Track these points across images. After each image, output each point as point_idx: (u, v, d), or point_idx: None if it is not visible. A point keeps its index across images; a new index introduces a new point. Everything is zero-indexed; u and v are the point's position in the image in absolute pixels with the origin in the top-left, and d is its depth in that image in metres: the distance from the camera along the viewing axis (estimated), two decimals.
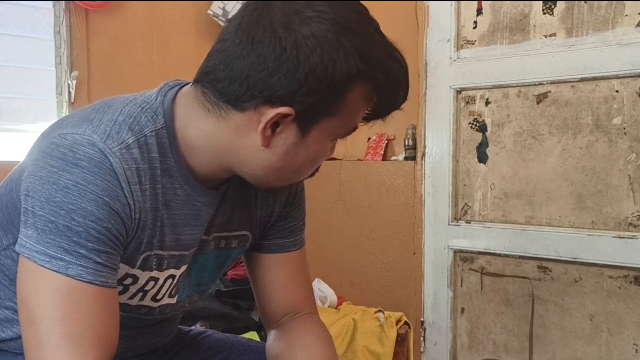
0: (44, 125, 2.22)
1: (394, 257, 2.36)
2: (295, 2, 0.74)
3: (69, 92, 2.24)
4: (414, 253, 2.29)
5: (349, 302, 2.36)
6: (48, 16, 2.23)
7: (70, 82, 2.23)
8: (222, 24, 2.44)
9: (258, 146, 0.78)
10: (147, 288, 0.86)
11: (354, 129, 0.83)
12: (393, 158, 2.41)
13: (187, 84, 0.85)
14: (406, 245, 2.31)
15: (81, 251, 0.71)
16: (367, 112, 0.82)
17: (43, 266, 0.71)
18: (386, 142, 2.41)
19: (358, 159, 2.48)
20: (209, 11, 2.45)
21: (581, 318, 1.91)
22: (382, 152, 2.40)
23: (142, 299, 0.87)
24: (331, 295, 2.30)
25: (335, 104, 0.76)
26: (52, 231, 0.71)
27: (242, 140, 0.78)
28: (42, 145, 0.76)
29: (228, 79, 0.75)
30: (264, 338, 1.93)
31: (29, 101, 2.23)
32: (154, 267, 0.85)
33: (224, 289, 2.02)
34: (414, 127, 2.29)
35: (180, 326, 1.13)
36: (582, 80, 1.87)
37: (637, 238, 1.78)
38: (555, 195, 1.94)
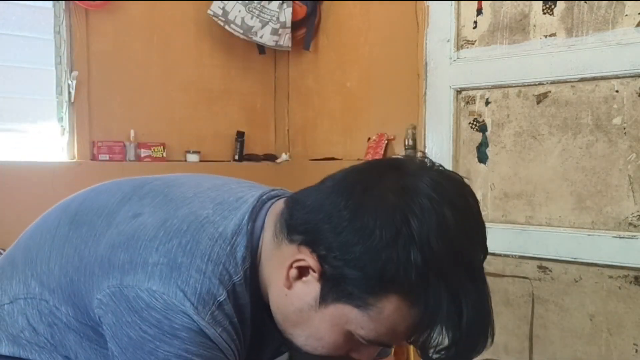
0: (44, 126, 2.23)
1: None
2: (410, 178, 0.69)
3: (69, 92, 2.24)
4: None
5: None
6: (48, 16, 2.23)
7: (70, 82, 2.23)
8: (222, 24, 2.44)
9: (282, 287, 0.74)
10: None
11: (380, 343, 0.73)
12: None
13: (282, 195, 0.82)
14: None
15: None
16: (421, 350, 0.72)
17: None
18: (386, 142, 2.41)
19: (358, 159, 2.48)
20: (209, 11, 2.45)
21: (581, 318, 1.91)
22: (382, 152, 2.40)
23: None
24: None
25: (364, 296, 0.68)
26: None
27: (277, 273, 0.74)
28: (122, 288, 0.71)
29: (302, 206, 0.73)
30: None
31: (29, 101, 2.23)
32: None
33: None
34: (414, 127, 2.29)
35: None
36: (582, 80, 1.87)
37: (637, 238, 1.78)
38: (555, 195, 1.94)
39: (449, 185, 0.70)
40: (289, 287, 0.73)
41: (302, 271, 0.72)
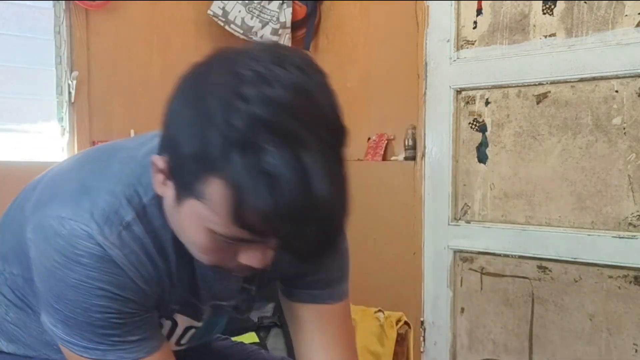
0: (44, 126, 2.23)
1: (394, 257, 2.36)
2: (246, 54, 0.65)
3: (69, 92, 2.23)
4: (414, 253, 2.29)
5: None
6: (48, 16, 2.22)
7: (70, 82, 2.23)
8: (222, 24, 2.44)
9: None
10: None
11: (239, 239, 0.65)
12: (393, 158, 2.41)
13: None
14: (406, 245, 2.31)
15: (112, 339, 0.72)
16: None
17: (81, 355, 0.73)
18: (386, 142, 2.42)
19: (358, 159, 2.48)
20: (209, 11, 2.45)
21: (581, 318, 1.91)
22: (382, 152, 2.40)
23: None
24: None
25: (195, 185, 0.63)
26: (75, 325, 0.72)
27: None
28: (41, 218, 0.73)
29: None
30: (263, 338, 1.93)
31: (29, 101, 2.23)
32: (190, 315, 0.86)
33: None
34: (414, 127, 2.29)
35: None
36: (581, 80, 1.87)
37: (636, 238, 1.78)
38: (555, 195, 1.94)
39: (268, 59, 0.64)
40: (162, 194, 0.71)
41: (163, 176, 0.69)
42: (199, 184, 0.63)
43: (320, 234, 0.62)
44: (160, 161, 0.68)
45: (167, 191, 0.69)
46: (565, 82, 1.90)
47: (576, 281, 1.91)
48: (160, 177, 0.69)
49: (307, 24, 2.57)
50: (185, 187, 0.65)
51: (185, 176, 0.65)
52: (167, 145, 0.67)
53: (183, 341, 0.91)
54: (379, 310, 2.15)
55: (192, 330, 0.90)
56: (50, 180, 0.79)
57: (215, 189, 0.62)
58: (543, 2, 1.94)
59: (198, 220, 0.66)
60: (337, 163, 0.63)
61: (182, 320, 0.87)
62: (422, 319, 2.26)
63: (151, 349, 0.76)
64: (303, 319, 0.93)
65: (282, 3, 2.48)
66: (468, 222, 2.13)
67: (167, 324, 0.85)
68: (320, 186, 0.59)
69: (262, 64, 0.62)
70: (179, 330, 0.88)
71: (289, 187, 0.58)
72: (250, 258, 0.68)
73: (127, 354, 0.73)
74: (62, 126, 2.26)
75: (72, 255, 0.70)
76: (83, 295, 0.70)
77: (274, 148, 0.58)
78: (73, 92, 2.23)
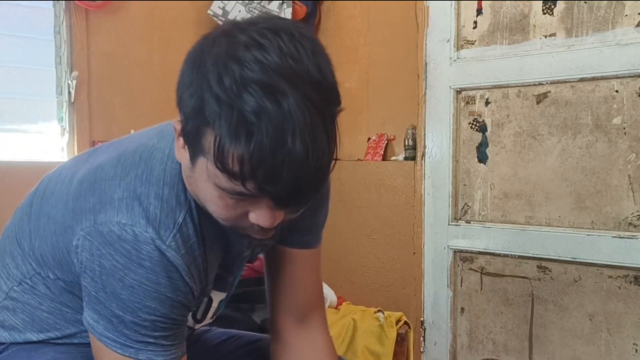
0: (44, 126, 2.23)
1: (394, 257, 2.36)
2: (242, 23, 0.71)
3: (69, 92, 2.24)
4: (414, 253, 2.29)
5: (349, 302, 2.36)
6: (48, 16, 2.23)
7: (70, 82, 2.23)
8: (222, 24, 2.44)
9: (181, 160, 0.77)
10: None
11: (239, 192, 0.68)
12: (393, 158, 2.41)
13: None
14: (406, 245, 2.31)
15: (149, 340, 0.77)
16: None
17: (115, 351, 0.77)
18: (386, 142, 2.42)
19: (358, 159, 2.49)
20: (209, 11, 2.45)
21: (580, 318, 1.91)
22: (382, 152, 2.40)
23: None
24: (331, 295, 2.30)
25: (199, 141, 0.68)
26: (120, 324, 0.76)
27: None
28: (97, 225, 0.76)
29: None
30: None
31: (29, 101, 2.23)
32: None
33: None
34: (414, 127, 2.29)
35: None
36: (581, 80, 1.87)
37: (636, 238, 1.78)
38: (554, 195, 1.94)
39: (264, 27, 0.68)
40: (180, 160, 0.76)
41: (182, 139, 0.73)
42: (201, 139, 0.68)
43: (293, 182, 0.66)
44: (177, 123, 0.73)
45: (184, 155, 0.73)
46: (565, 82, 1.90)
47: (576, 281, 1.92)
48: (180, 141, 0.73)
49: (307, 24, 2.57)
50: (193, 145, 0.70)
51: (192, 133, 0.69)
52: (178, 107, 0.72)
53: (217, 312, 0.99)
54: (379, 310, 2.16)
55: (223, 299, 0.98)
56: (89, 187, 0.80)
57: (209, 140, 0.66)
58: (543, 2, 1.94)
59: (207, 177, 0.70)
60: (319, 119, 0.66)
61: (216, 295, 0.94)
62: (422, 319, 2.26)
63: (176, 357, 0.81)
64: (290, 262, 1.00)
65: (282, 3, 2.48)
66: (468, 222, 2.13)
67: (204, 301, 0.92)
68: (294, 138, 0.63)
69: (257, 31, 0.67)
70: (215, 304, 0.95)
71: (264, 136, 0.63)
72: (259, 217, 0.71)
73: (156, 356, 0.78)
74: (62, 126, 2.27)
75: (136, 258, 0.75)
76: (138, 296, 0.75)
77: (256, 101, 0.63)
78: (73, 92, 2.23)
